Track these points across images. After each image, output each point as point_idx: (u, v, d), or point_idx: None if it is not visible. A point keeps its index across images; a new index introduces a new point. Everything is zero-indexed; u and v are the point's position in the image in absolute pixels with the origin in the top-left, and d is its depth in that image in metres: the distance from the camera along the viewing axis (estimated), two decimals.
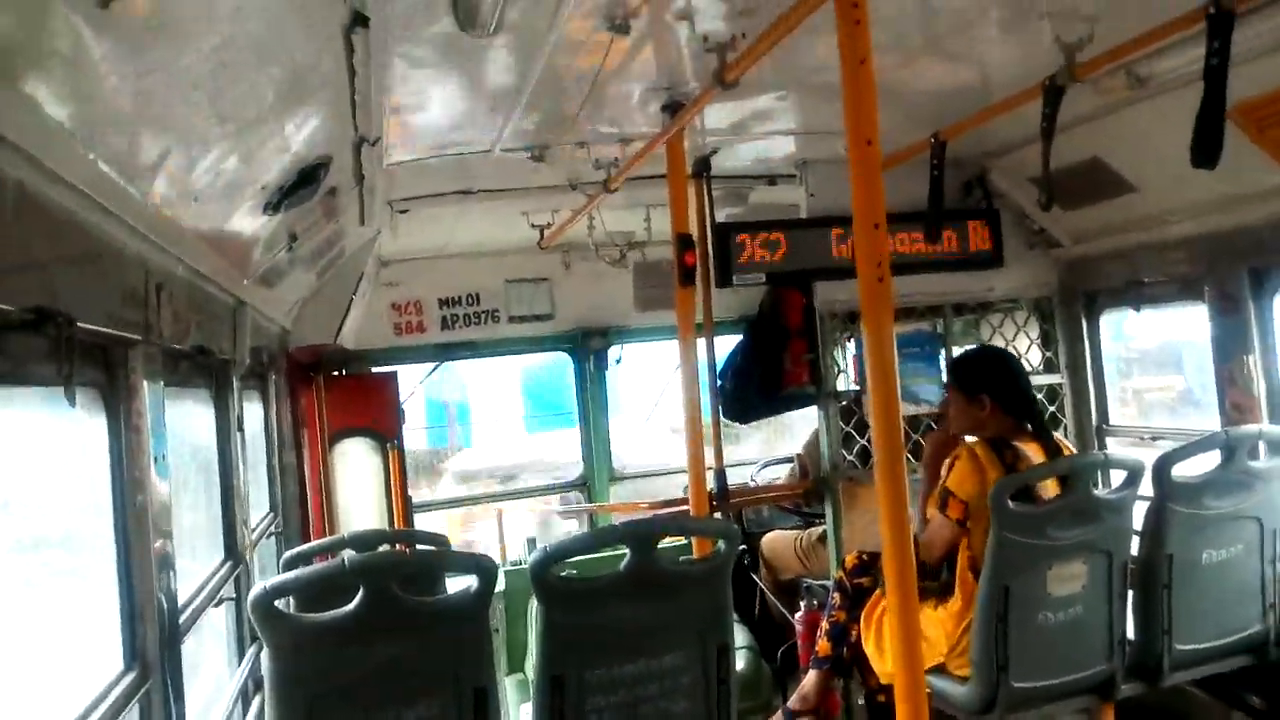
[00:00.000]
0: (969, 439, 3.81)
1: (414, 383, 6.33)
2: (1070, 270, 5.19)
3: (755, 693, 4.78)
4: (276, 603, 2.53)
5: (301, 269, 4.13)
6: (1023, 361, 5.19)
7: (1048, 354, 5.32)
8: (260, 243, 3.21)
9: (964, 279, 5.05)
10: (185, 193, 2.23)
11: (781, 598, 5.47)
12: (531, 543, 6.35)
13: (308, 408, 5.30)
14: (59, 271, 1.73)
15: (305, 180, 2.86)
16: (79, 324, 1.73)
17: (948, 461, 3.74)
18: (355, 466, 5.53)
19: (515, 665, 5.68)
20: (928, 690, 3.83)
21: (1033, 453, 3.73)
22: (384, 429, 5.61)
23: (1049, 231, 5.12)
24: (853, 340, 4.94)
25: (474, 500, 7.81)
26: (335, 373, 5.66)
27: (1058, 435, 4.03)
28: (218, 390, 3.35)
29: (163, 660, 2.22)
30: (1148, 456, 3.61)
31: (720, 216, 4.76)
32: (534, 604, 5.64)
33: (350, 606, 2.58)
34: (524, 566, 6.14)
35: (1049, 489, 3.62)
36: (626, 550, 2.87)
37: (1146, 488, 3.55)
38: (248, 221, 2.90)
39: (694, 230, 4.02)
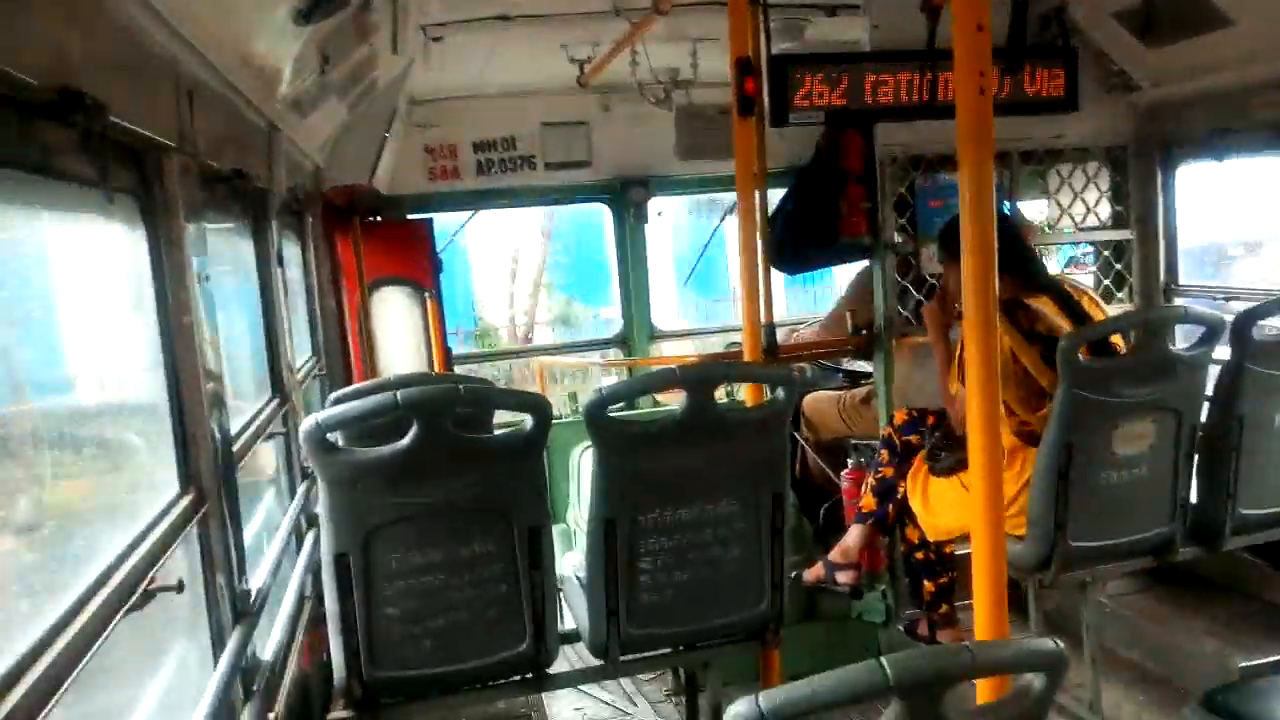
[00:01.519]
0: None
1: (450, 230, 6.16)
2: (1149, 116, 4.86)
3: (798, 546, 4.79)
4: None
5: (335, 98, 3.91)
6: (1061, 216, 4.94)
7: (1118, 208, 5.04)
8: (292, 59, 2.99)
9: (1032, 124, 4.72)
10: None
11: (823, 457, 5.43)
12: (573, 397, 6.32)
13: (344, 254, 5.17)
14: (86, 55, 1.55)
15: None
16: (112, 118, 1.56)
17: (963, 334, 3.60)
18: (394, 315, 5.44)
19: (558, 516, 5.74)
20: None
21: (1048, 309, 3.58)
22: (421, 277, 5.49)
23: (1129, 73, 4.75)
24: (913, 189, 4.68)
25: (514, 354, 7.73)
26: (371, 218, 5.48)
27: (1079, 288, 3.85)
28: (256, 223, 3.20)
29: (218, 483, 2.16)
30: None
31: (774, 51, 4.42)
32: (576, 455, 5.68)
33: (404, 441, 2.52)
34: (567, 419, 6.14)
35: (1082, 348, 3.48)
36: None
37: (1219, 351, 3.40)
38: (279, 33, 2.68)
39: None
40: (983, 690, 2.32)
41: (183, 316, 2.07)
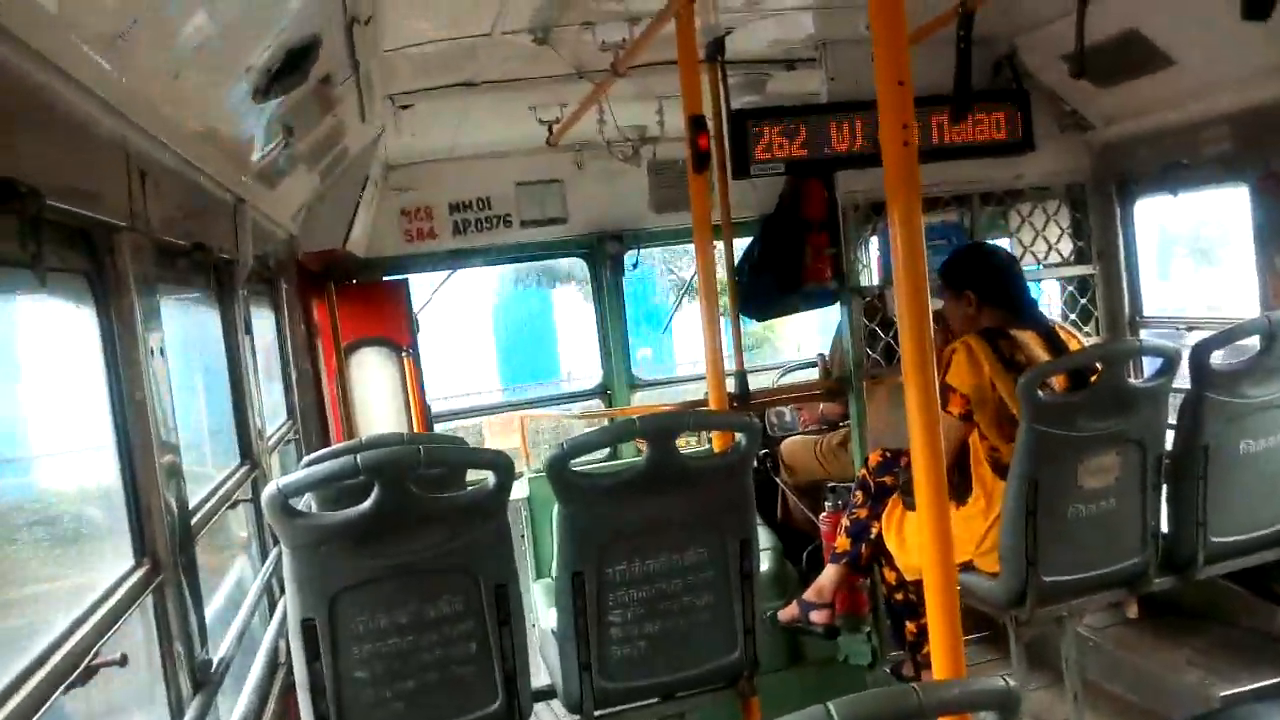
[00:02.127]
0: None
1: (428, 291, 6.23)
2: (1103, 154, 4.96)
3: (782, 590, 4.79)
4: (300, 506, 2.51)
5: (303, 169, 4.00)
6: (1026, 250, 5.04)
7: (1079, 244, 5.13)
8: (255, 136, 3.07)
9: (991, 166, 4.83)
10: (161, 67, 2.10)
11: (804, 501, 5.44)
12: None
13: (321, 317, 5.23)
14: (25, 142, 1.62)
15: (294, 64, 2.71)
16: (50, 202, 1.62)
17: (944, 359, 3.67)
18: (372, 376, 5.48)
19: (543, 571, 5.73)
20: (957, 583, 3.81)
21: (1031, 342, 3.66)
22: (398, 337, 5.54)
23: (1081, 113, 4.88)
24: (876, 234, 4.77)
25: (495, 410, 7.75)
26: (347, 282, 5.56)
27: (1059, 323, 3.96)
28: (222, 293, 3.26)
29: (175, 555, 2.17)
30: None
31: (737, 106, 4.54)
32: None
33: (366, 504, 2.54)
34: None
35: (1059, 381, 3.55)
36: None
37: (1181, 379, 3.43)
38: (239, 111, 2.76)
39: (710, 121, 3.83)
40: None
41: (135, 391, 2.11)
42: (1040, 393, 3.27)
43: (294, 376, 4.50)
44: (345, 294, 5.48)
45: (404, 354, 5.54)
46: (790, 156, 4.32)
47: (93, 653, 1.66)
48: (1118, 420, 3.31)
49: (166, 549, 2.14)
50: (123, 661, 1.69)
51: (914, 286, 2.41)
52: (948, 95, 3.81)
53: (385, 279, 5.80)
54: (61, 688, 1.54)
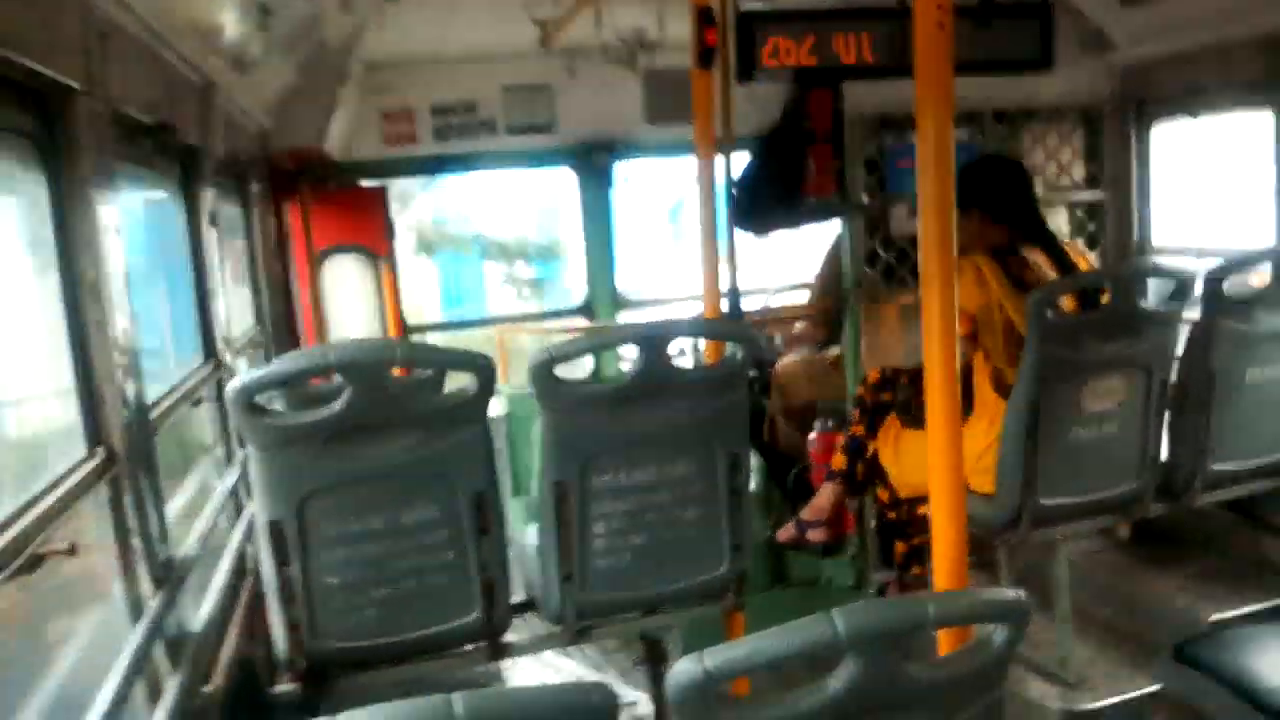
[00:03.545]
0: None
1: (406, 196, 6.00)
2: (1125, 75, 4.78)
3: (768, 510, 4.72)
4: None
5: (278, 57, 3.75)
6: (1043, 170, 4.88)
7: (1091, 168, 4.97)
8: (229, 9, 2.83)
9: (1006, 83, 4.62)
10: None
11: (792, 424, 5.35)
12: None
13: (294, 221, 5.00)
14: None
15: None
16: None
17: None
18: (347, 284, 5.28)
19: (520, 489, 5.64)
20: None
21: (1041, 261, 3.53)
22: (375, 245, 5.33)
23: (1105, 31, 4.66)
24: (881, 149, 4.58)
25: (473, 324, 7.54)
26: (322, 184, 5.31)
27: (1069, 242, 3.82)
28: (187, 181, 3.04)
29: (132, 446, 2.02)
30: None
31: (744, 9, 4.29)
32: (539, 426, 5.59)
33: (338, 403, 2.39)
34: (526, 391, 6.02)
35: (1066, 302, 3.42)
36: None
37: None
38: None
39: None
40: (944, 646, 2.25)
41: (87, 269, 1.94)
42: (1049, 313, 3.17)
43: (262, 280, 4.29)
44: (320, 198, 5.23)
45: (381, 262, 5.33)
46: (798, 64, 4.10)
47: (39, 539, 1.53)
48: (1126, 343, 3.22)
49: (122, 439, 1.99)
50: (72, 550, 1.55)
51: (940, 194, 2.30)
52: (968, 5, 3.62)
53: (362, 184, 5.55)
54: (5, 573, 1.42)
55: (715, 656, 1.40)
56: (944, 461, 2.37)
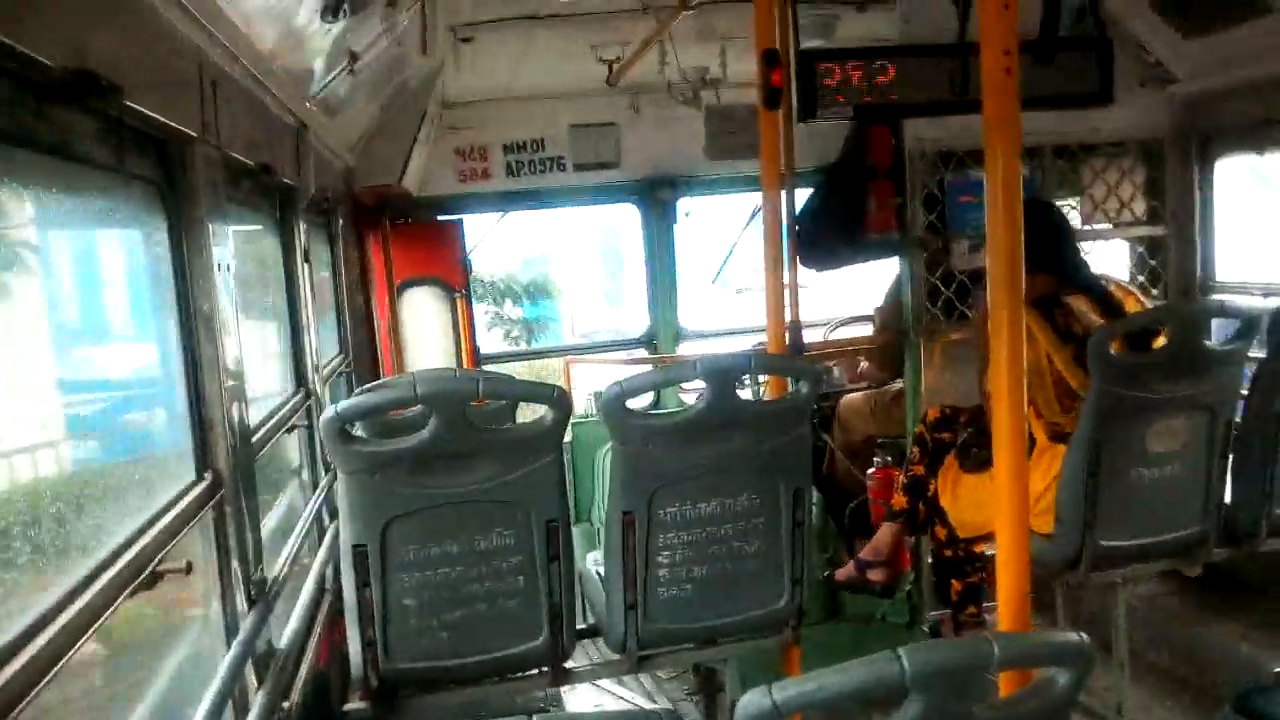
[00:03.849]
0: None
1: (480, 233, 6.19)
2: (1186, 108, 4.75)
3: (824, 546, 4.75)
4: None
5: (364, 98, 3.96)
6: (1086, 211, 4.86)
7: (1153, 203, 4.93)
8: (320, 58, 3.03)
9: (1066, 119, 4.64)
10: None
11: (851, 458, 5.37)
12: (598, 396, 6.32)
13: (374, 254, 5.22)
14: (105, 40, 1.58)
15: None
16: (128, 104, 1.59)
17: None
18: (423, 316, 5.47)
19: (581, 516, 5.73)
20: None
21: (1086, 309, 3.51)
22: (451, 278, 5.52)
23: (1165, 65, 4.66)
24: (941, 185, 4.62)
25: (542, 354, 7.72)
26: (402, 219, 5.54)
27: (1113, 280, 3.78)
28: (283, 219, 3.24)
29: (236, 472, 2.18)
30: None
31: (805, 47, 4.39)
32: (600, 455, 5.69)
33: (423, 433, 2.53)
34: (592, 419, 6.14)
35: (1114, 344, 3.40)
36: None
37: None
38: (306, 29, 2.72)
39: None
40: (1006, 687, 2.27)
41: (202, 304, 2.10)
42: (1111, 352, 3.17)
43: (346, 311, 4.50)
44: (399, 232, 5.46)
45: (456, 295, 5.52)
46: (859, 101, 4.18)
47: (157, 559, 1.67)
48: (1190, 383, 3.19)
49: (228, 465, 2.15)
50: (188, 569, 1.69)
51: (1009, 231, 2.35)
52: (1029, 41, 3.67)
53: (439, 219, 5.77)
54: (127, 591, 1.55)
55: (783, 690, 1.43)
56: (1010, 502, 2.40)
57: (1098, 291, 3.60)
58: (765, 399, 3.99)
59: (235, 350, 2.28)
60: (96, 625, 1.42)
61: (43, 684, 1.24)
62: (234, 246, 2.38)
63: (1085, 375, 3.29)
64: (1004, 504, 2.43)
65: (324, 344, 3.99)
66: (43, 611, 1.32)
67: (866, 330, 6.04)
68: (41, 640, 1.27)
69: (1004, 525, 2.44)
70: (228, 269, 2.25)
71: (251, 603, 2.23)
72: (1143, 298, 3.90)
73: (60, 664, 1.29)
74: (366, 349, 4.94)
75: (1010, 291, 2.40)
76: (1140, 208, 4.96)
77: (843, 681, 1.48)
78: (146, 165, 1.93)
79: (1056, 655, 1.59)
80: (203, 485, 2.06)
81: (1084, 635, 1.59)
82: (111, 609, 1.49)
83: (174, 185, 2.03)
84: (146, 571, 1.63)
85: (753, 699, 1.44)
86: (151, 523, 1.76)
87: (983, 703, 1.56)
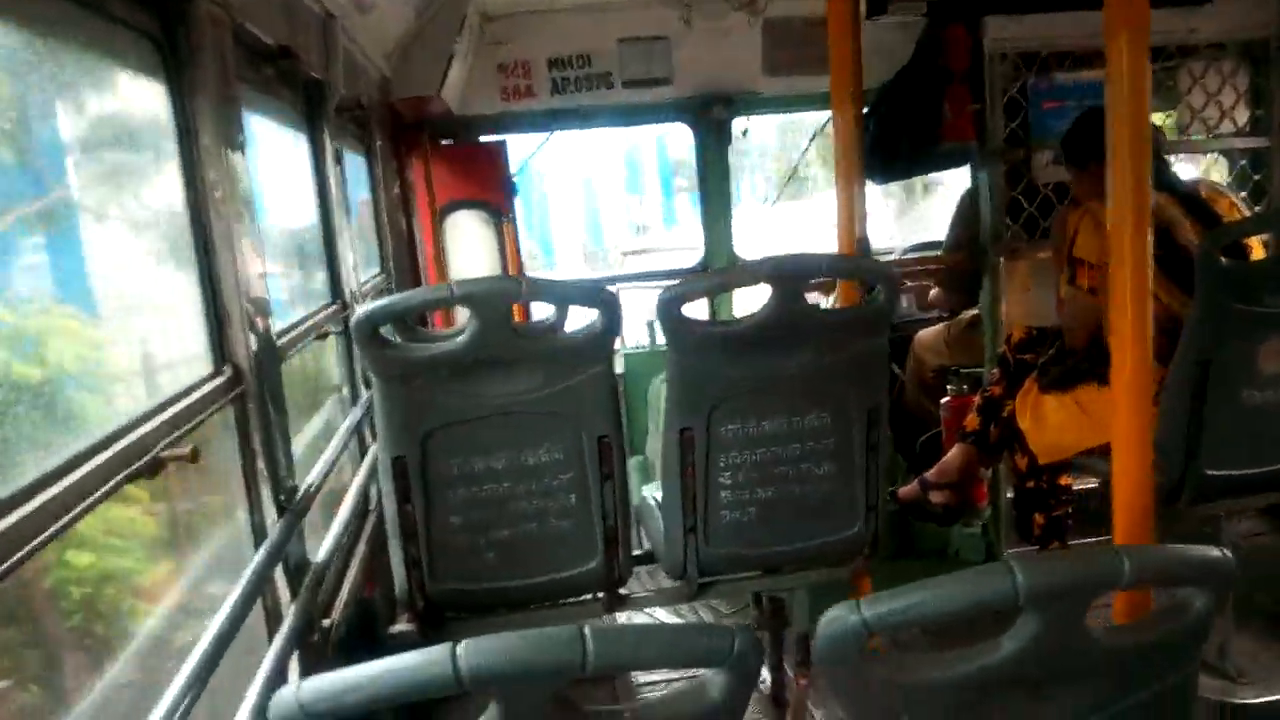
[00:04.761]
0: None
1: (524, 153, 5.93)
2: None
3: (892, 479, 4.50)
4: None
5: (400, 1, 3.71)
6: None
7: (1257, 112, 4.51)
8: None
9: (1161, 18, 4.19)
10: None
11: (923, 390, 5.08)
12: (650, 326, 6.10)
13: (416, 175, 4.99)
14: None
15: None
16: None
17: (1070, 228, 3.34)
18: (468, 240, 5.25)
19: (636, 448, 5.55)
20: (1101, 473, 3.47)
21: (1166, 204, 3.22)
22: (496, 201, 5.29)
23: None
24: (1024, 90, 4.26)
25: (589, 282, 7.45)
26: (443, 140, 5.30)
27: (1204, 181, 3.56)
28: (311, 117, 3.02)
29: (258, 369, 1.99)
30: None
31: None
32: (654, 386, 5.47)
33: (462, 337, 2.33)
34: (643, 349, 5.93)
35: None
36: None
37: None
38: None
39: None
40: (1121, 615, 2.05)
41: (213, 184, 1.90)
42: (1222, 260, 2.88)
43: (387, 230, 4.29)
44: (440, 153, 5.22)
45: (502, 219, 5.29)
46: None
47: (160, 445, 1.49)
48: None
49: (249, 360, 1.96)
50: (193, 457, 1.51)
51: (1134, 137, 2.19)
52: None
53: (482, 139, 5.50)
54: (124, 473, 1.39)
55: (874, 606, 1.24)
56: (1129, 410, 2.20)
57: (1181, 191, 3.31)
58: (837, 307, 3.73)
59: (255, 235, 2.07)
60: (87, 504, 1.28)
61: (24, 552, 1.11)
62: (251, 128, 2.16)
63: (1179, 290, 3.04)
64: (1122, 411, 2.20)
65: (365, 264, 3.81)
66: (30, 483, 1.19)
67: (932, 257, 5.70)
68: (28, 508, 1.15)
69: (1121, 441, 2.21)
70: (241, 149, 2.03)
71: (281, 510, 2.06)
72: (1239, 203, 3.57)
73: (42, 539, 1.16)
74: (410, 274, 4.75)
75: (1136, 196, 2.22)
76: (1242, 117, 4.55)
77: (945, 597, 1.26)
78: (140, 15, 1.71)
79: (1194, 573, 1.37)
80: (221, 379, 1.88)
81: (1227, 552, 1.35)
82: (106, 486, 1.35)
83: (175, 44, 1.81)
84: (149, 456, 1.46)
85: (838, 614, 1.25)
86: (160, 409, 1.59)
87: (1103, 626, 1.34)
